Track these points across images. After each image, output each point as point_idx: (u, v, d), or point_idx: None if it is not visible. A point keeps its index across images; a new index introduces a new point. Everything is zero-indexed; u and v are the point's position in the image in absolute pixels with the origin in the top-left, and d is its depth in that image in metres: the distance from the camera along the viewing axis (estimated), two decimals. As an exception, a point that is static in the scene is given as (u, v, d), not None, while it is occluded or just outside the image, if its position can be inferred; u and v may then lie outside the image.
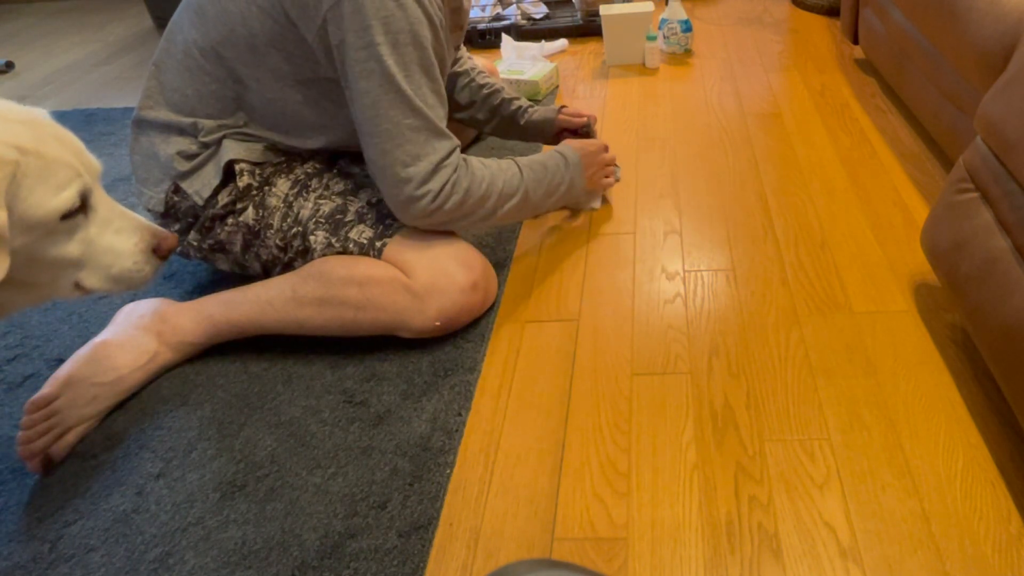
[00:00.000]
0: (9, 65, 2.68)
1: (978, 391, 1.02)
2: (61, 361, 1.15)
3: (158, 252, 0.93)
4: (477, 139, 1.77)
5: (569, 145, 1.35)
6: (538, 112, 1.53)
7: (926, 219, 1.11)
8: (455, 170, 1.12)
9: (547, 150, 1.33)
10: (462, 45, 1.51)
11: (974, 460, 0.92)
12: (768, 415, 1.01)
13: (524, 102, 1.55)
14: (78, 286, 0.89)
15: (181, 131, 1.18)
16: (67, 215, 0.83)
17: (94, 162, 0.89)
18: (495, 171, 1.18)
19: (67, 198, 0.82)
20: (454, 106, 1.55)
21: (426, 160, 1.09)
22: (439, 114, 1.11)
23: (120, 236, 0.90)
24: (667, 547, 0.86)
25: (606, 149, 1.43)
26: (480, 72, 1.54)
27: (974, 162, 1.00)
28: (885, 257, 1.27)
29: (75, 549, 0.93)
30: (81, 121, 2.15)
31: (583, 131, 1.52)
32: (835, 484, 0.91)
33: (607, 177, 1.45)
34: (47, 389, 1.05)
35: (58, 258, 0.85)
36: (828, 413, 1.01)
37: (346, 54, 1.05)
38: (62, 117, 2.19)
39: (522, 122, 1.53)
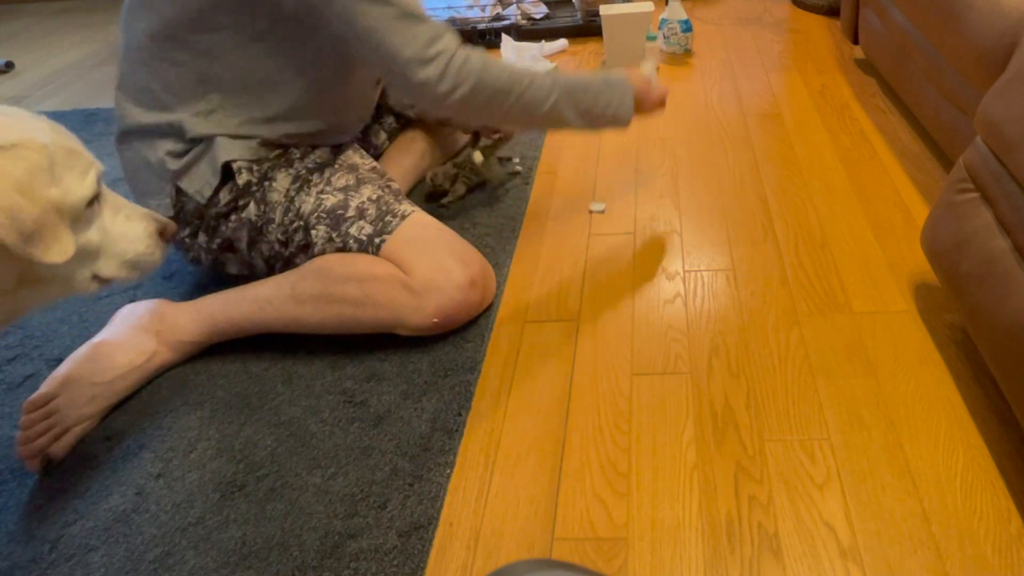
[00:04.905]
0: (9, 65, 2.68)
1: (978, 391, 1.01)
2: (61, 361, 1.15)
3: (163, 236, 0.97)
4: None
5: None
6: None
7: (926, 219, 1.10)
8: (449, 60, 1.10)
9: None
10: None
11: (974, 460, 0.92)
12: (768, 415, 1.01)
13: None
14: (96, 277, 0.90)
15: (163, 133, 1.17)
16: (90, 202, 0.85)
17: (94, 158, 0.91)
18: (520, 71, 1.15)
19: (91, 183, 0.85)
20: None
21: (414, 43, 1.08)
22: (409, 1, 1.09)
23: (131, 222, 0.93)
24: (667, 547, 0.86)
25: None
26: None
27: (974, 162, 1.00)
28: (885, 257, 1.27)
29: (75, 549, 0.93)
30: (81, 121, 2.15)
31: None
32: (835, 484, 0.91)
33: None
34: (45, 388, 1.05)
35: (82, 247, 0.86)
36: (828, 413, 1.01)
37: None
38: (62, 117, 2.19)
39: None
